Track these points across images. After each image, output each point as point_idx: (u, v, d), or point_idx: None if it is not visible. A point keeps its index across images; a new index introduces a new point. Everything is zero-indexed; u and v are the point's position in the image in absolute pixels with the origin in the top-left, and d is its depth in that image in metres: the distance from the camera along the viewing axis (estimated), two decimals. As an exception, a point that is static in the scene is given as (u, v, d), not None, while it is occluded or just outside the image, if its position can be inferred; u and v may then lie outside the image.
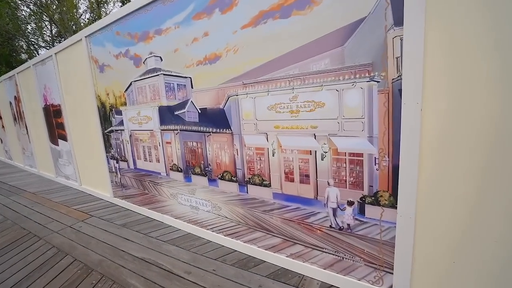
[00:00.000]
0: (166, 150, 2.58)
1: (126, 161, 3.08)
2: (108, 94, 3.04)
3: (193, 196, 2.42)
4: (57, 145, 4.44)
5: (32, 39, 16.49)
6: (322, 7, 1.41)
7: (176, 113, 2.35)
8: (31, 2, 15.08)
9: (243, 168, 2.00)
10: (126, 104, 2.85)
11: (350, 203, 1.53)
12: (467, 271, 1.25)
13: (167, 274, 1.90)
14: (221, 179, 2.16)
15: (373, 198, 1.45)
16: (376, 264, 1.51)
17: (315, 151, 1.61)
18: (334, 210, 1.60)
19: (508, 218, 1.12)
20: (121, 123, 2.98)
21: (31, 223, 2.95)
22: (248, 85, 1.81)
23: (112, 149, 3.25)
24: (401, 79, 1.25)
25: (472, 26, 1.08)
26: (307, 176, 1.67)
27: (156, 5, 2.21)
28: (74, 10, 16.03)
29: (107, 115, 3.15)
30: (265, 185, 1.89)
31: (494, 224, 1.15)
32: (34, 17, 15.89)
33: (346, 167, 1.52)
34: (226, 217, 2.20)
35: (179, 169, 2.49)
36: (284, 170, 1.77)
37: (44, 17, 15.91)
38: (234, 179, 2.07)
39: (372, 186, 1.44)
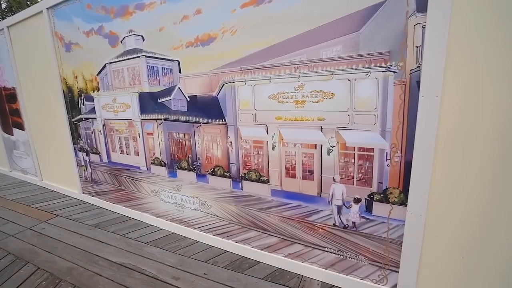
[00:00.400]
0: (147, 142, 2.31)
1: (99, 153, 2.74)
2: (76, 77, 2.65)
3: (178, 193, 2.21)
4: (12, 134, 3.88)
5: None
6: (337, -13, 1.28)
7: (160, 100, 2.10)
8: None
9: (237, 163, 1.84)
10: (99, 89, 2.51)
11: (357, 201, 1.45)
12: (476, 269, 1.23)
13: (152, 281, 1.70)
14: (211, 175, 1.98)
15: (382, 195, 1.38)
16: (381, 263, 1.46)
17: (321, 145, 1.50)
18: (339, 208, 1.51)
19: (521, 216, 1.11)
20: (92, 110, 2.62)
21: (-20, 225, 2.52)
22: (246, 71, 1.64)
23: (81, 140, 2.87)
24: (420, 70, 1.18)
25: (501, 15, 1.03)
26: (311, 172, 1.57)
27: (138, -26, 1.93)
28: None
29: (74, 102, 2.76)
30: (263, 181, 1.75)
31: (508, 222, 1.14)
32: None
33: (354, 163, 1.44)
34: (217, 216, 2.03)
35: (162, 163, 2.25)
36: (285, 166, 1.65)
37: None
38: (227, 174, 1.90)
39: (381, 183, 1.37)
